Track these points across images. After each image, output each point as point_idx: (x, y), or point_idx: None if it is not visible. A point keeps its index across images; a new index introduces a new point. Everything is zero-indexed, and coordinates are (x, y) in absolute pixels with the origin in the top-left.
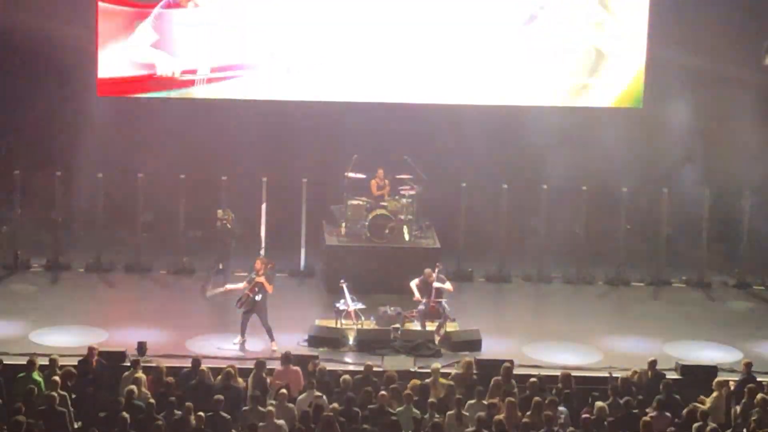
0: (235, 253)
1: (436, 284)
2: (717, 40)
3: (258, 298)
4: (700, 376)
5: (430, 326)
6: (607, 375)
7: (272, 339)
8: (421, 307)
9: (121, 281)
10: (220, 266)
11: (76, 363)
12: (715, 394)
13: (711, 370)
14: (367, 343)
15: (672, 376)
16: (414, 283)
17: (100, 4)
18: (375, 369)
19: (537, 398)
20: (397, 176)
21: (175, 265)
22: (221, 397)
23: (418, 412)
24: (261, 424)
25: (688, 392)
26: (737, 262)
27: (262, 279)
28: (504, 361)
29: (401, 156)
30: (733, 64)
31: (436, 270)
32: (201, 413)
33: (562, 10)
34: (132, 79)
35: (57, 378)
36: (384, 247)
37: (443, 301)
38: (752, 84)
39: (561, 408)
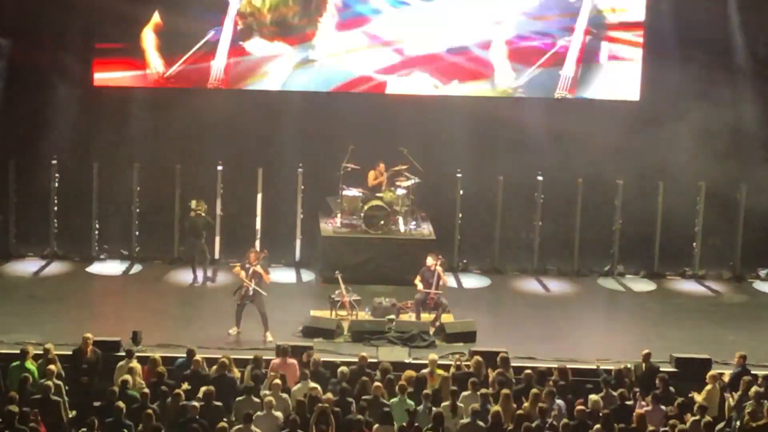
0: (228, 243)
1: (439, 268)
2: (714, 32)
3: (251, 289)
4: (694, 369)
5: (426, 317)
6: (603, 367)
7: (267, 329)
8: (419, 296)
9: (116, 270)
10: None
11: (70, 352)
12: (708, 387)
13: (705, 363)
14: (362, 334)
15: (666, 368)
16: (417, 279)
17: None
18: (369, 360)
19: (534, 390)
20: (393, 168)
21: (170, 255)
22: (212, 388)
23: (412, 403)
24: (257, 413)
25: (683, 385)
26: (732, 255)
27: (258, 269)
28: (498, 352)
29: (397, 147)
30: (730, 57)
31: (438, 261)
32: (195, 403)
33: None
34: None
35: (52, 367)
36: (379, 239)
37: (441, 294)
38: (749, 76)
39: (559, 401)
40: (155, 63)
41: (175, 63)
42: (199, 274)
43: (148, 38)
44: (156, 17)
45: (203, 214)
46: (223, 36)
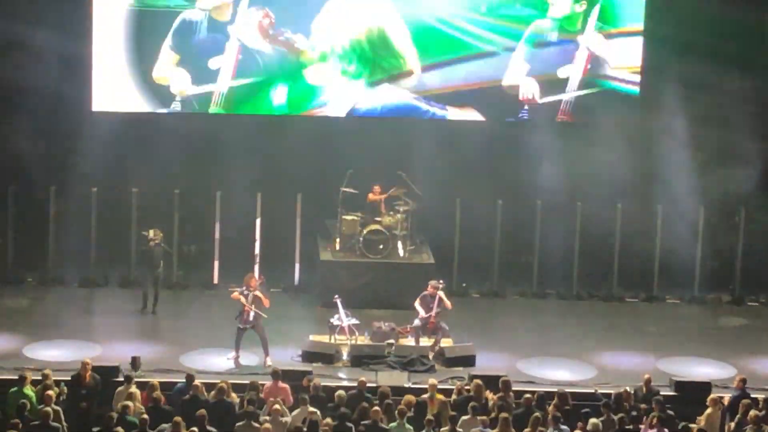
0: (227, 268)
1: (440, 293)
2: (713, 51)
3: (252, 314)
4: (694, 393)
5: (425, 342)
6: (601, 391)
7: (267, 353)
8: (417, 323)
9: (114, 296)
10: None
11: (69, 378)
12: (709, 410)
13: (705, 387)
14: (361, 359)
15: (666, 392)
16: (417, 303)
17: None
18: (369, 385)
19: (536, 414)
20: (392, 191)
21: (168, 280)
22: (204, 411)
23: (411, 428)
24: None
25: (682, 408)
26: (731, 278)
27: (258, 293)
28: (499, 376)
29: (396, 171)
30: (729, 77)
31: (440, 287)
32: (194, 429)
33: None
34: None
35: (51, 393)
36: (378, 263)
37: (441, 319)
38: (748, 96)
39: (563, 427)
40: (178, 83)
41: (194, 87)
42: (149, 302)
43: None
44: (167, 51)
45: (161, 244)
46: (225, 61)
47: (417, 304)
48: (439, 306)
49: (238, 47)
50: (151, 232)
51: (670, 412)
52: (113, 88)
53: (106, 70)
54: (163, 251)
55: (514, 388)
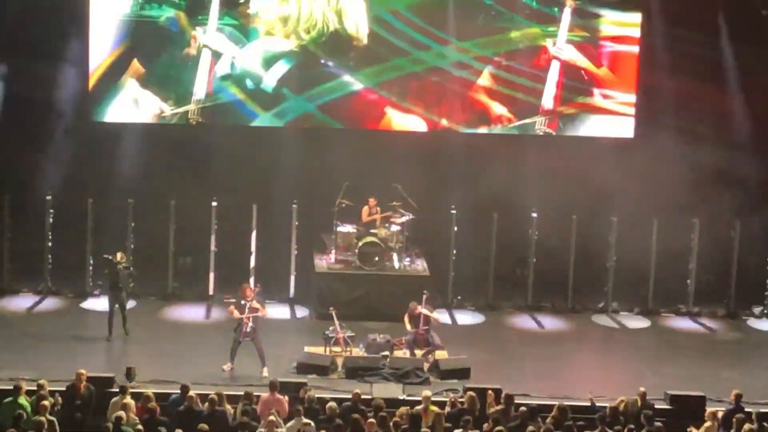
0: (224, 279)
1: (423, 310)
2: (709, 69)
3: (251, 325)
4: (688, 406)
5: (419, 354)
6: (597, 404)
7: (264, 364)
8: (408, 336)
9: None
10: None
11: (64, 388)
12: (707, 424)
13: (699, 400)
14: (356, 371)
15: (661, 405)
16: (406, 318)
17: None
18: (363, 397)
19: (531, 428)
20: (388, 204)
21: (163, 291)
22: (206, 426)
23: None
24: None
25: (677, 422)
26: (726, 292)
27: (255, 304)
28: (494, 389)
29: (391, 184)
30: (723, 92)
31: (424, 298)
32: None
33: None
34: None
35: (46, 403)
36: (373, 275)
37: (430, 330)
38: (742, 112)
39: None
40: (152, 105)
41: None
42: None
43: (133, 86)
44: (136, 64)
45: (129, 267)
46: (199, 75)
47: (405, 320)
48: (426, 324)
49: (212, 58)
50: (119, 255)
51: (658, 424)
52: (109, 99)
53: (103, 80)
54: (131, 273)
55: None
